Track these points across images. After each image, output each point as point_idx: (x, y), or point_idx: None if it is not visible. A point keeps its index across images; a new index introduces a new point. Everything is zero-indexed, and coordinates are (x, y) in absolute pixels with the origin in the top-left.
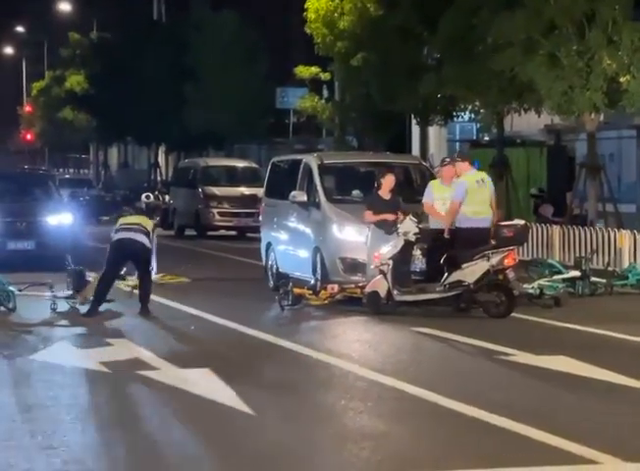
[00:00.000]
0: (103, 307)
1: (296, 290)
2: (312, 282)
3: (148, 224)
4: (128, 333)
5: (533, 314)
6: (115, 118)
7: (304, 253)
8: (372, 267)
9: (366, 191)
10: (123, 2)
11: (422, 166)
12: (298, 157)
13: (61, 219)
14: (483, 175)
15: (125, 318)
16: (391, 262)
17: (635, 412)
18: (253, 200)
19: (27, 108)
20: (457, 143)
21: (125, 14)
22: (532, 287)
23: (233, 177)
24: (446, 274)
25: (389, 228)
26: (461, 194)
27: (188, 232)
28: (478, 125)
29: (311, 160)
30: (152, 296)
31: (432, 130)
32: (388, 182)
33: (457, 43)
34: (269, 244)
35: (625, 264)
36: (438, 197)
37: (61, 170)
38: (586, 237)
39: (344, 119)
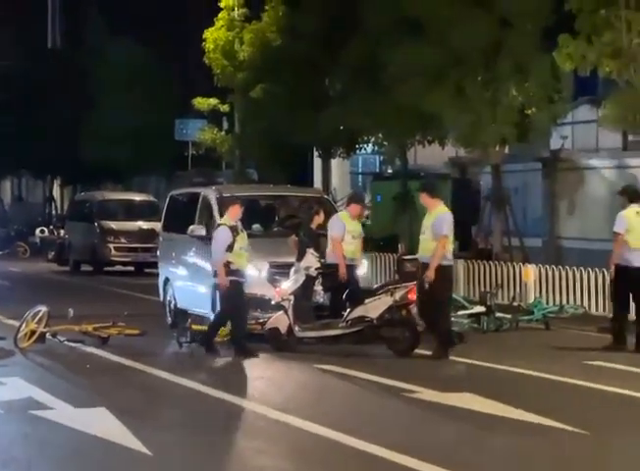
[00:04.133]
0: None
1: (195, 327)
2: (211, 318)
3: None
4: (20, 371)
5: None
6: (8, 150)
7: (203, 289)
8: (273, 302)
9: (267, 225)
10: (16, 32)
11: (323, 199)
12: (197, 190)
13: None
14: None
15: (17, 356)
16: (292, 297)
17: (537, 448)
18: (151, 235)
19: None
20: (360, 176)
21: (16, 40)
22: None
23: (130, 210)
24: (348, 309)
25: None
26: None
27: (84, 267)
28: (381, 157)
29: (210, 193)
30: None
31: (334, 163)
32: (321, 219)
33: (360, 74)
34: (167, 280)
35: (531, 299)
36: (350, 230)
37: None
38: (491, 272)
39: (244, 151)
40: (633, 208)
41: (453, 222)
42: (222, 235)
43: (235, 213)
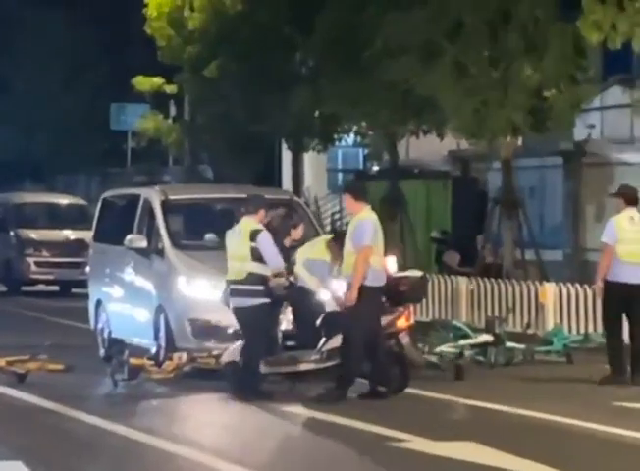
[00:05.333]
0: None
1: (134, 361)
2: (154, 350)
3: None
4: None
5: (433, 389)
6: None
7: (144, 314)
8: (230, 331)
9: (223, 235)
10: None
11: (294, 202)
12: (137, 192)
13: None
14: None
15: None
16: None
17: None
18: (80, 247)
19: None
20: (340, 174)
21: None
22: (433, 355)
23: (54, 217)
24: (323, 339)
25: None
26: None
27: None
28: (365, 151)
29: (153, 195)
30: None
31: (308, 158)
32: (298, 234)
33: (338, 48)
34: (99, 302)
35: (549, 325)
36: None
37: None
38: (500, 292)
39: (195, 143)
40: (627, 213)
41: (453, 230)
42: (269, 239)
43: (261, 218)
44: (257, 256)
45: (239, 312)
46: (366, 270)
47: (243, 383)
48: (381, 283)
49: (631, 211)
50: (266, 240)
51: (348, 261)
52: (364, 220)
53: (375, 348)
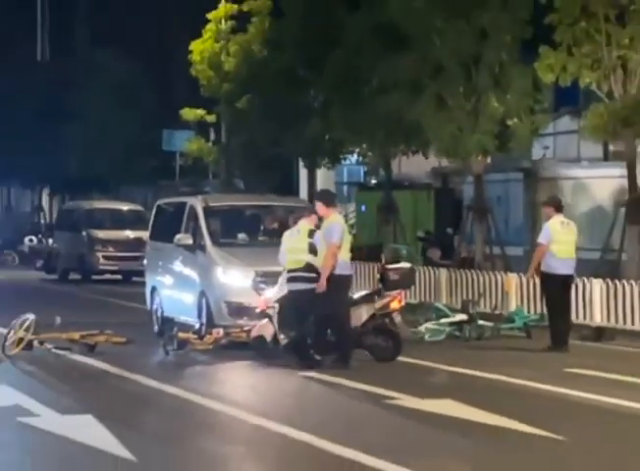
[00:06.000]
0: None
1: (181, 335)
2: (197, 326)
3: None
4: (7, 379)
5: (419, 358)
6: None
7: (190, 297)
8: (258, 310)
9: (252, 234)
10: (7, 45)
11: (310, 209)
12: (184, 199)
13: None
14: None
15: (4, 363)
16: (277, 305)
17: (516, 454)
18: (138, 243)
19: None
20: (345, 186)
21: (6, 54)
22: (419, 331)
23: (118, 220)
24: None
25: None
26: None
27: (73, 275)
28: (365, 168)
29: (196, 202)
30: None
31: (320, 173)
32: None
33: (343, 86)
34: (154, 288)
35: (512, 307)
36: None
37: None
38: (473, 281)
39: (230, 161)
40: (557, 218)
41: (435, 230)
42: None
43: (313, 220)
44: (312, 250)
45: (295, 294)
46: (334, 262)
47: (302, 353)
48: (347, 272)
49: (560, 217)
50: (320, 239)
51: (322, 256)
52: (334, 222)
53: (340, 324)
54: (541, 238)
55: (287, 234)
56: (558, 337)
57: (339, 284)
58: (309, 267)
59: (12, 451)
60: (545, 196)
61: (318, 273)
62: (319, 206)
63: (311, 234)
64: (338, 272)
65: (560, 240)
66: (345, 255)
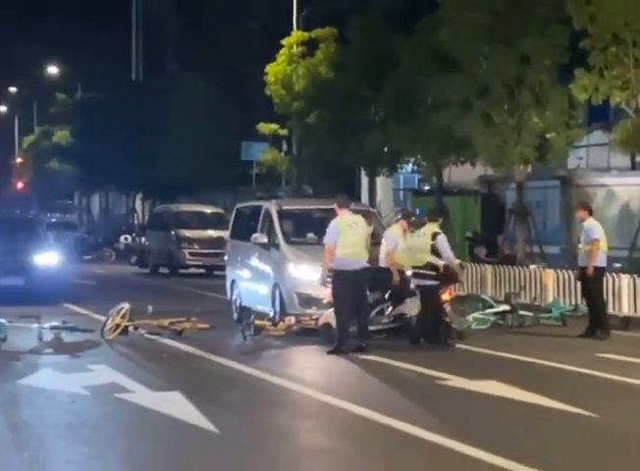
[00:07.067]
0: (84, 336)
1: (258, 322)
2: (272, 314)
3: None
4: (106, 360)
5: (467, 343)
6: (97, 168)
7: (265, 289)
8: (325, 301)
9: (320, 234)
10: (105, 65)
11: (371, 212)
12: (260, 203)
13: (48, 258)
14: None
15: (104, 347)
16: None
17: (554, 429)
18: (220, 242)
19: (19, 159)
20: (401, 192)
21: (107, 75)
22: (467, 320)
23: (202, 221)
24: (390, 307)
25: None
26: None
27: (162, 270)
28: (420, 175)
29: (271, 206)
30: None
31: (379, 181)
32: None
33: (400, 103)
34: (233, 281)
35: (550, 299)
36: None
37: (48, 214)
38: (515, 275)
39: (300, 170)
40: (594, 220)
41: (481, 231)
42: (445, 240)
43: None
44: (435, 251)
45: (420, 289)
46: (329, 260)
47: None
48: (346, 268)
49: (594, 219)
50: (443, 240)
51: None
52: (334, 222)
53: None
54: (595, 235)
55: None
56: (605, 324)
57: (337, 277)
58: (431, 266)
59: (110, 423)
60: (580, 201)
61: (438, 271)
62: (336, 206)
63: (435, 236)
64: (336, 267)
65: (602, 238)
66: (341, 252)
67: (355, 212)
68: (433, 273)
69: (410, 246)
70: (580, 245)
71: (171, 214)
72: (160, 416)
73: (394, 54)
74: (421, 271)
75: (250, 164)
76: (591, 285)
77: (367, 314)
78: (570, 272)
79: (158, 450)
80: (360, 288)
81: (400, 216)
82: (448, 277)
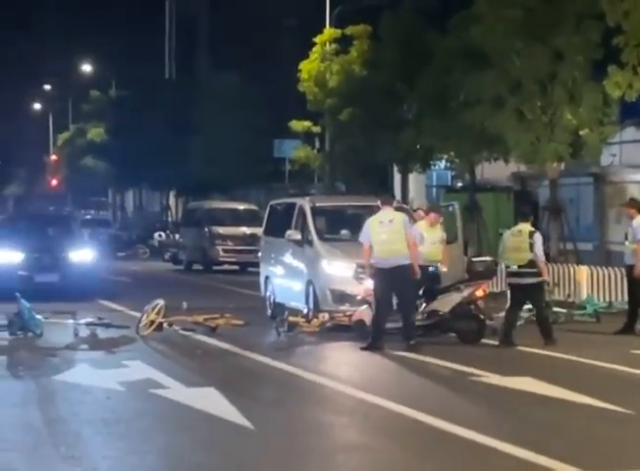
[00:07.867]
0: (119, 333)
1: (291, 319)
2: (305, 311)
3: None
4: (141, 356)
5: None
6: (131, 166)
7: (298, 285)
8: (359, 298)
9: (354, 231)
10: (138, 63)
11: (404, 208)
12: (293, 200)
13: (82, 254)
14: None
15: (139, 343)
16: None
17: (589, 425)
18: (253, 238)
19: (54, 157)
20: (434, 189)
21: (140, 73)
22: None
23: (235, 217)
24: (424, 304)
25: None
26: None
27: (196, 266)
28: (453, 172)
29: (305, 203)
30: (165, 325)
31: (412, 177)
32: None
33: (433, 100)
34: (267, 277)
35: (583, 296)
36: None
37: (83, 211)
38: (549, 272)
39: (333, 167)
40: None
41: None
42: (540, 238)
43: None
44: (532, 249)
45: (523, 286)
46: (366, 257)
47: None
48: (379, 265)
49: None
50: (538, 238)
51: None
52: (365, 223)
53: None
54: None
55: (507, 232)
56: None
57: (374, 274)
58: (531, 264)
59: (146, 418)
60: (613, 198)
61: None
62: (380, 204)
63: (531, 234)
64: (374, 265)
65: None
66: (376, 250)
67: (397, 210)
68: (535, 270)
69: (433, 240)
70: (627, 243)
71: (204, 211)
72: (195, 412)
73: (427, 51)
74: (522, 270)
75: (283, 161)
76: (636, 283)
77: (410, 312)
78: (604, 268)
79: (193, 446)
80: (400, 286)
81: (414, 208)
82: (483, 274)
